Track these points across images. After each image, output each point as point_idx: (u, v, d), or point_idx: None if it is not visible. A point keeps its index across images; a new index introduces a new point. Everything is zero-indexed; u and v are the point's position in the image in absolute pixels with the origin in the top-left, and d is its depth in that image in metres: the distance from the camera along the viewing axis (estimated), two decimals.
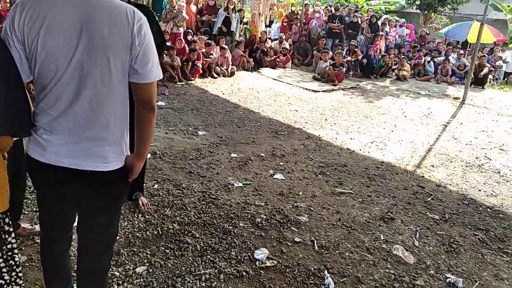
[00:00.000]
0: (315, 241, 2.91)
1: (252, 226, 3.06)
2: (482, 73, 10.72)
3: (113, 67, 1.43)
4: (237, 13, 10.57)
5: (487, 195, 4.09)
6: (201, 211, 3.17)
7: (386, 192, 3.93)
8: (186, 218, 3.03)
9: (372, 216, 3.40)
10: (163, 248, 2.63)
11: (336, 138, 5.50)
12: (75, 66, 1.40)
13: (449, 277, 2.66)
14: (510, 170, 4.84)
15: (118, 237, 2.62)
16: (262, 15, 13.24)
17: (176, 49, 8.04)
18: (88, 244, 1.72)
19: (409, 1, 16.68)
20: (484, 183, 4.40)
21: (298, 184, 3.91)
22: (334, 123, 6.26)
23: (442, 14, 19.02)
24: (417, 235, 3.16)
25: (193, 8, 11.00)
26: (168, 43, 8.05)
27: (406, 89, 9.76)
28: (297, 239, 2.93)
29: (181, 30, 9.46)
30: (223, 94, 7.39)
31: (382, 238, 3.06)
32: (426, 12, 16.83)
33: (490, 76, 11.44)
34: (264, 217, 3.19)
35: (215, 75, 8.70)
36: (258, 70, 10.22)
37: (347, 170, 4.37)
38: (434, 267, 2.77)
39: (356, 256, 2.79)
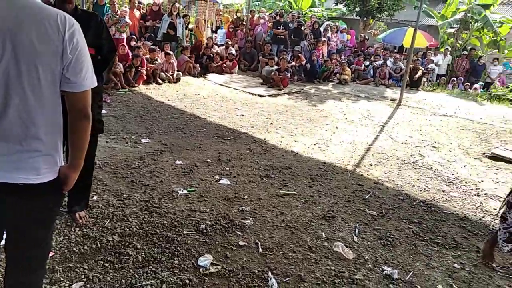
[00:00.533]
0: (259, 244, 2.96)
1: (196, 233, 3.04)
2: (416, 75, 11.41)
3: (42, 76, 1.39)
4: (181, 18, 10.49)
5: (421, 190, 4.36)
6: (143, 221, 3.11)
7: (328, 191, 4.07)
8: (127, 229, 2.96)
9: (314, 215, 3.51)
10: (102, 262, 2.55)
11: (281, 141, 5.62)
12: (1, 76, 1.35)
13: (385, 270, 2.80)
14: (441, 166, 5.20)
15: (52, 253, 2.52)
16: (208, 21, 13.25)
17: (118, 55, 7.82)
18: (18, 262, 1.63)
19: (349, 8, 17.40)
20: (418, 179, 4.68)
21: (244, 188, 3.95)
22: (279, 127, 6.38)
23: (380, 20, 20.03)
24: (356, 231, 3.31)
25: (137, 14, 10.77)
26: None
27: (347, 92, 10.17)
28: (241, 243, 2.96)
29: (124, 35, 9.23)
30: (168, 100, 7.30)
31: (324, 236, 3.17)
32: (365, 18, 17.64)
33: (424, 79, 12.20)
34: (209, 223, 3.19)
35: (160, 81, 8.57)
36: (205, 76, 10.20)
37: (291, 172, 4.48)
38: (372, 261, 2.91)
39: (299, 256, 2.87)
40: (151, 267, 2.56)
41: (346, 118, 7.37)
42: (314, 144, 5.64)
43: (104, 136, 4.91)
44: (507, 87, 11.84)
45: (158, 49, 9.11)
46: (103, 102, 6.42)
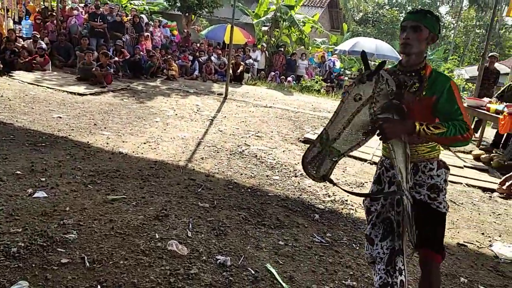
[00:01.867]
0: (86, 257, 2.70)
1: (6, 259, 2.59)
2: (238, 70, 12.18)
3: None
4: None
5: (248, 177, 4.68)
6: None
7: (160, 190, 4.00)
8: None
9: (146, 217, 3.39)
10: None
11: (107, 143, 5.26)
12: None
13: (219, 259, 2.90)
14: (265, 153, 5.68)
15: None
16: (9, 10, 11.39)
17: None
18: None
19: (170, 3, 17.38)
20: (245, 167, 5.02)
21: (65, 199, 3.54)
22: (105, 127, 5.96)
23: (202, 16, 20.63)
24: (190, 226, 3.34)
25: None
26: None
27: (176, 88, 10.18)
28: (64, 260, 2.65)
29: None
30: None
31: (157, 237, 3.10)
32: (187, 14, 17.90)
33: (247, 74, 13.13)
34: (22, 244, 2.75)
35: None
36: (10, 74, 8.79)
37: (120, 175, 4.23)
38: (206, 253, 2.98)
39: (131, 262, 2.73)
40: None
41: (176, 114, 7.37)
42: (144, 143, 5.46)
43: None
44: (313, 79, 13.73)
45: None
46: None
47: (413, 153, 2.11)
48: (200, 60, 12.81)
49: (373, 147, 6.43)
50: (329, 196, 4.40)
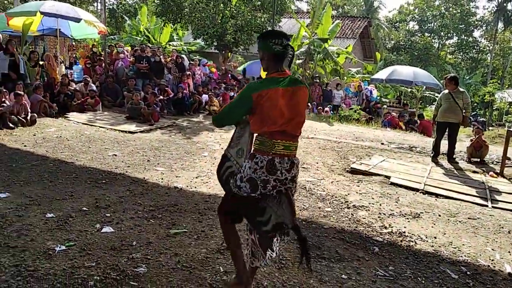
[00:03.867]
0: None
1: None
2: None
3: None
4: (21, 55, 9.48)
5: (300, 209, 4.71)
6: None
7: (217, 224, 4.08)
8: None
9: (209, 250, 3.48)
10: None
11: (162, 179, 5.47)
12: None
13: None
14: (313, 185, 5.70)
15: None
16: (60, 56, 12.29)
17: None
18: None
19: (208, 43, 18.15)
20: (296, 199, 5.03)
21: (130, 233, 3.71)
22: (158, 163, 6.21)
23: (237, 53, 21.37)
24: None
25: None
26: None
27: None
28: None
29: None
30: (25, 146, 6.47)
31: (222, 270, 3.17)
32: (223, 52, 18.59)
33: None
34: (98, 278, 2.90)
35: (11, 125, 7.55)
36: (65, 116, 9.37)
37: (178, 209, 4.38)
38: (271, 286, 3.01)
39: None
40: None
41: (222, 148, 7.55)
42: (196, 177, 5.63)
43: None
44: (351, 109, 13.75)
45: (4, 90, 8.06)
46: None
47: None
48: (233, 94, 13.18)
49: (423, 176, 6.33)
50: (385, 227, 4.34)
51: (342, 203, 5.05)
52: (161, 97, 11.09)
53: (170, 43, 21.00)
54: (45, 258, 3.11)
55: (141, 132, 8.51)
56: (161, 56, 13.29)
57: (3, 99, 7.67)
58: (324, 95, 15.44)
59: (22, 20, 10.47)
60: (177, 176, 5.63)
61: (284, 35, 2.48)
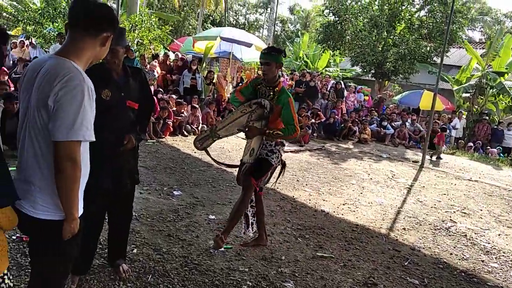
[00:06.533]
0: None
1: None
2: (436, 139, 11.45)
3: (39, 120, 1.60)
4: (200, 73, 10.89)
5: (459, 259, 4.23)
6: (185, 278, 3.04)
7: (365, 256, 3.97)
8: (170, 286, 2.89)
9: (355, 281, 3.40)
10: None
11: (310, 200, 5.58)
12: (22, 119, 1.68)
13: None
14: (476, 234, 5.07)
15: None
16: (229, 76, 13.71)
17: (155, 106, 8.06)
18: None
19: (365, 70, 17.94)
20: (454, 247, 4.55)
21: (280, 247, 3.87)
22: (306, 184, 6.37)
23: (395, 82, 20.55)
24: None
25: (164, 67, 11.22)
26: None
27: (368, 151, 10.22)
28: None
29: (152, 88, 9.55)
30: (194, 152, 7.38)
31: None
32: (380, 80, 18.12)
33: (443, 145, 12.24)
34: (250, 284, 3.11)
35: (185, 133, 8.74)
36: None
37: (325, 233, 4.40)
38: None
39: None
40: None
41: (371, 178, 7.34)
42: (343, 204, 5.58)
43: (137, 187, 4.93)
44: None
45: (184, 102, 9.38)
46: None
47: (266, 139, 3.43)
48: (394, 124, 12.62)
49: None
50: None
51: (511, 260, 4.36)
52: (313, 120, 11.38)
53: (327, 68, 21.45)
54: (207, 255, 3.48)
55: (291, 151, 8.86)
56: (318, 82, 13.69)
57: (182, 110, 8.92)
58: (493, 134, 13.65)
59: (204, 43, 12.09)
60: (324, 200, 5.67)
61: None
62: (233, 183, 5.78)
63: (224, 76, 12.97)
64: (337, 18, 17.49)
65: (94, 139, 1.64)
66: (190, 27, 31.57)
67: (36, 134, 1.61)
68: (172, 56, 14.08)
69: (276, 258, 3.64)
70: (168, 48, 16.76)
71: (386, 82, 18.91)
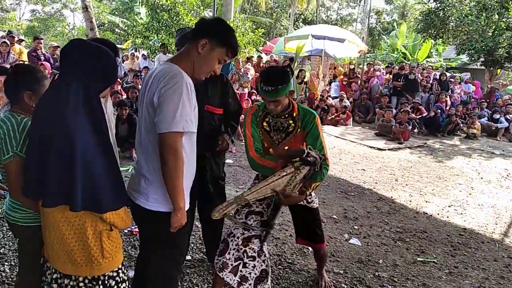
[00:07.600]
0: None
1: None
2: None
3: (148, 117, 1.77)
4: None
5: None
6: (279, 277, 3.09)
7: (474, 263, 3.62)
8: None
9: None
10: None
11: (410, 201, 5.26)
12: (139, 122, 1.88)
13: None
14: None
15: None
16: (321, 74, 13.55)
17: (243, 109, 8.33)
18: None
19: (473, 58, 16.28)
20: None
21: (377, 250, 3.72)
22: (406, 184, 6.01)
23: (510, 70, 18.33)
24: None
25: (258, 69, 11.52)
26: None
27: (477, 148, 9.28)
28: None
29: (246, 90, 9.87)
30: None
31: None
32: (491, 68, 16.31)
33: None
34: (345, 286, 3.04)
35: None
36: None
37: (427, 237, 4.11)
38: None
39: None
40: None
41: (481, 178, 6.65)
42: (449, 206, 5.15)
43: (234, 185, 5.15)
44: None
45: None
46: (230, 152, 6.87)
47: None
48: (508, 117, 11.26)
49: None
50: None
51: None
52: (413, 115, 10.68)
53: (428, 59, 19.99)
54: (300, 255, 3.49)
55: (389, 149, 8.43)
56: (418, 74, 12.81)
57: None
58: None
59: (295, 43, 12.12)
60: (426, 201, 5.29)
61: None
62: (326, 183, 5.70)
63: (317, 74, 12.86)
64: (438, 4, 16.16)
65: (194, 131, 1.77)
66: (281, 27, 31.88)
67: (147, 131, 1.77)
68: (265, 58, 14.40)
69: (373, 261, 3.50)
70: (260, 50, 17.15)
71: (499, 70, 16.93)
